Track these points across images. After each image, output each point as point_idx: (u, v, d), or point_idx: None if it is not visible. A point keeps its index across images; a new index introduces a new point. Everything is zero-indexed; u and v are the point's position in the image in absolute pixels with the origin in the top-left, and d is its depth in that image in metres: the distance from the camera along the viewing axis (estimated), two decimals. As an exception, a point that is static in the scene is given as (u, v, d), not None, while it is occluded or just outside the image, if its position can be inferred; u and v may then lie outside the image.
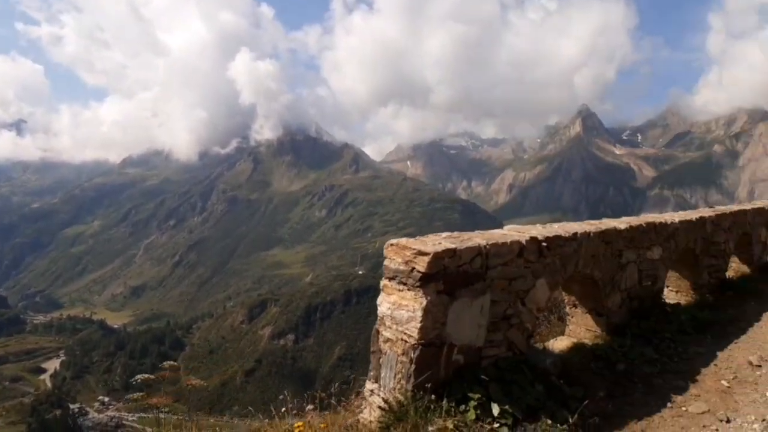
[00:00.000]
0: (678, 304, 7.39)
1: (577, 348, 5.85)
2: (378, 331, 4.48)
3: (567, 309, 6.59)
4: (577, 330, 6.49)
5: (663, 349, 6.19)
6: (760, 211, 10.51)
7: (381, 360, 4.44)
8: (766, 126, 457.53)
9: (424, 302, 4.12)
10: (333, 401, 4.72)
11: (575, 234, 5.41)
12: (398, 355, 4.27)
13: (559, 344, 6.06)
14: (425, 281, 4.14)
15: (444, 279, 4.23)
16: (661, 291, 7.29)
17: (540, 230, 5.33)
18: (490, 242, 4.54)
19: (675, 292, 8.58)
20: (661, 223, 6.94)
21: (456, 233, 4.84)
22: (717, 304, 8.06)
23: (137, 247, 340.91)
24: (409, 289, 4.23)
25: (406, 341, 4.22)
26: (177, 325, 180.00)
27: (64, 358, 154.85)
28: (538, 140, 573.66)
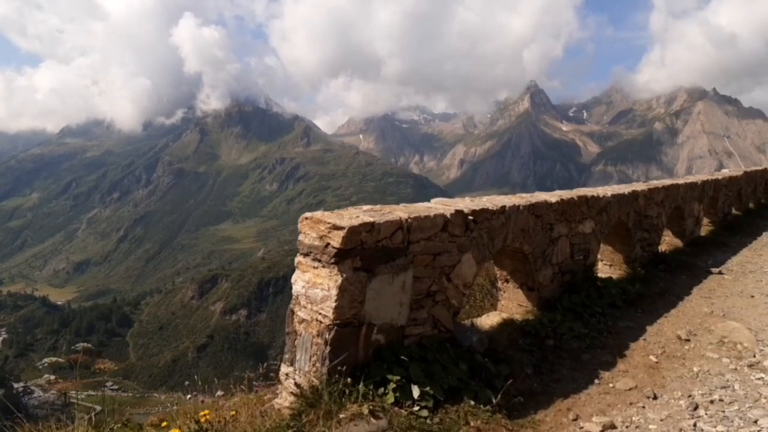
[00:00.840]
0: (610, 278, 7.39)
1: (507, 324, 5.72)
2: (293, 312, 4.18)
3: (499, 284, 6.45)
4: (509, 305, 6.37)
5: (593, 323, 6.15)
6: (692, 186, 10.70)
7: (296, 342, 4.14)
8: (704, 104, 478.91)
9: (339, 280, 3.82)
10: (244, 386, 4.43)
11: (503, 207, 5.21)
12: (313, 337, 3.99)
13: (488, 320, 5.92)
14: (340, 257, 3.84)
15: (361, 255, 3.94)
16: (594, 265, 7.26)
17: (467, 203, 5.09)
18: (412, 216, 4.27)
19: (609, 266, 8.63)
20: (593, 196, 6.86)
21: (378, 206, 4.55)
22: (649, 277, 8.13)
23: (79, 220, 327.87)
24: (323, 266, 3.92)
25: (321, 322, 3.94)
26: (124, 302, 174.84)
27: (5, 336, 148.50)
28: (488, 115, 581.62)
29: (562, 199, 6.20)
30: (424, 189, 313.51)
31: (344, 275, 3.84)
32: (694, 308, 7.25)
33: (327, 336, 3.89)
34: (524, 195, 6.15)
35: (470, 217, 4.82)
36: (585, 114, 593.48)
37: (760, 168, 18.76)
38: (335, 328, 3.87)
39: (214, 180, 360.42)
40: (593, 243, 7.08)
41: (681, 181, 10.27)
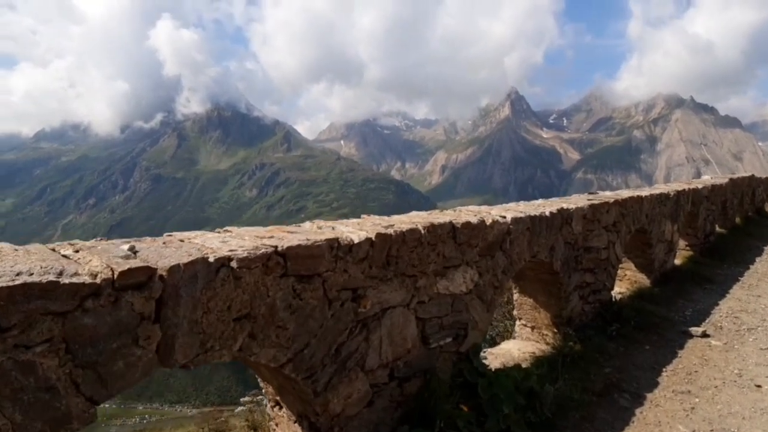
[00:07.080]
0: (516, 367, 4.08)
1: None
2: None
3: (268, 409, 3.19)
4: (283, 451, 3.11)
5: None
6: (662, 199, 7.53)
7: None
8: (682, 112, 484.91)
9: None
10: None
11: (150, 273, 1.95)
12: None
13: None
14: None
15: None
16: (478, 349, 4.01)
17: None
18: None
19: (530, 329, 5.42)
20: (467, 224, 3.60)
21: None
22: (588, 354, 4.91)
23: (54, 227, 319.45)
24: None
25: None
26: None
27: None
28: (470, 122, 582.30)
29: (383, 236, 2.94)
30: (406, 195, 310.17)
31: None
32: (661, 425, 4.06)
33: None
34: (290, 228, 2.90)
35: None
36: (565, 121, 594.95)
37: (746, 175, 15.80)
38: None
39: (192, 186, 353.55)
40: (475, 309, 3.83)
41: (646, 193, 7.04)
